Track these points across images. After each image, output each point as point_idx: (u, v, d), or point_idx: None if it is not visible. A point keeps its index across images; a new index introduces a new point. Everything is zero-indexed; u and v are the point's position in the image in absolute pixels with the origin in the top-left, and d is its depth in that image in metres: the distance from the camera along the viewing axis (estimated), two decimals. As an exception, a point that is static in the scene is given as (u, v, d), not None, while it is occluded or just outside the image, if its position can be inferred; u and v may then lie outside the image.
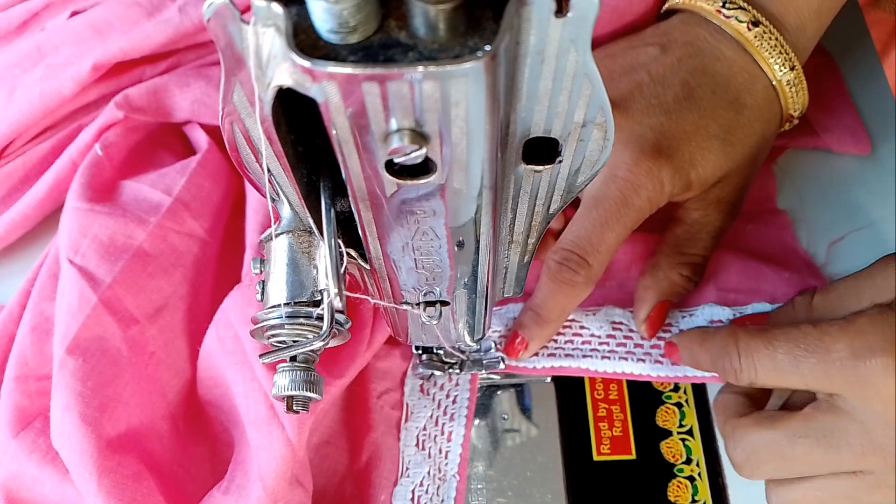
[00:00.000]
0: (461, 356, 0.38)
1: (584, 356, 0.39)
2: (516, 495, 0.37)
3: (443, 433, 0.38)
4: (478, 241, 0.22)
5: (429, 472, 0.37)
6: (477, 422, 0.39)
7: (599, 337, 0.39)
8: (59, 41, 0.45)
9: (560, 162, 0.21)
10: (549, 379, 0.40)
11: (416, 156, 0.16)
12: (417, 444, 0.38)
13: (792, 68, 0.36)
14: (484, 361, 0.39)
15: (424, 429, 0.38)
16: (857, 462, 0.30)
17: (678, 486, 0.37)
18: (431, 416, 0.38)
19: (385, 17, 0.15)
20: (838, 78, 0.46)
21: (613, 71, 0.38)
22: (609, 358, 0.39)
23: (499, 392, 0.40)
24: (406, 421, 0.38)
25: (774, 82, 0.37)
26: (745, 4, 0.36)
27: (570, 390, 0.39)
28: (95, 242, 0.38)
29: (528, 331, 0.37)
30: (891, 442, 0.29)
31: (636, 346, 0.39)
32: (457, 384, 0.39)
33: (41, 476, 0.35)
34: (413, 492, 0.36)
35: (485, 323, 0.30)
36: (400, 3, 0.15)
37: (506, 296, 0.30)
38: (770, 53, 0.36)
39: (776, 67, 0.36)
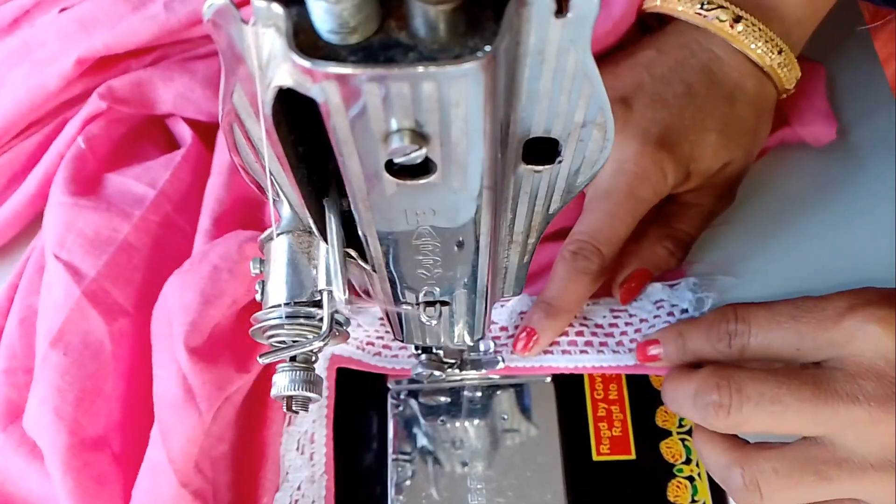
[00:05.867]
0: (460, 356, 0.38)
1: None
2: (516, 495, 0.37)
3: (307, 433, 0.38)
4: (478, 241, 0.22)
5: (307, 477, 0.37)
6: (477, 422, 0.39)
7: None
8: (45, 37, 0.45)
9: (560, 162, 0.21)
10: (549, 379, 0.40)
11: (416, 156, 0.16)
12: (298, 449, 0.38)
13: (780, 52, 0.38)
14: (483, 361, 0.39)
15: (306, 433, 0.38)
16: (840, 411, 0.30)
17: (678, 486, 0.37)
18: (313, 421, 0.38)
19: (385, 17, 0.15)
20: (816, 70, 0.46)
21: (614, 72, 0.39)
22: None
23: (499, 392, 0.40)
24: (289, 425, 0.38)
25: (766, 67, 0.38)
26: (724, 2, 0.37)
27: (570, 390, 0.39)
28: (81, 237, 0.38)
29: (540, 324, 0.37)
30: (877, 392, 0.29)
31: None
32: None
33: (28, 470, 0.35)
34: (291, 496, 0.36)
35: (485, 323, 0.30)
36: (400, 4, 0.15)
37: (506, 296, 0.30)
38: (756, 44, 0.37)
39: (763, 54, 0.37)
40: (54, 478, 0.33)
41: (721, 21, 0.37)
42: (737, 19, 0.37)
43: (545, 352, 0.39)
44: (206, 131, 0.45)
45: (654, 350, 0.37)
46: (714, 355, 0.35)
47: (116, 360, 0.36)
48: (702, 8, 0.37)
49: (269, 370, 0.39)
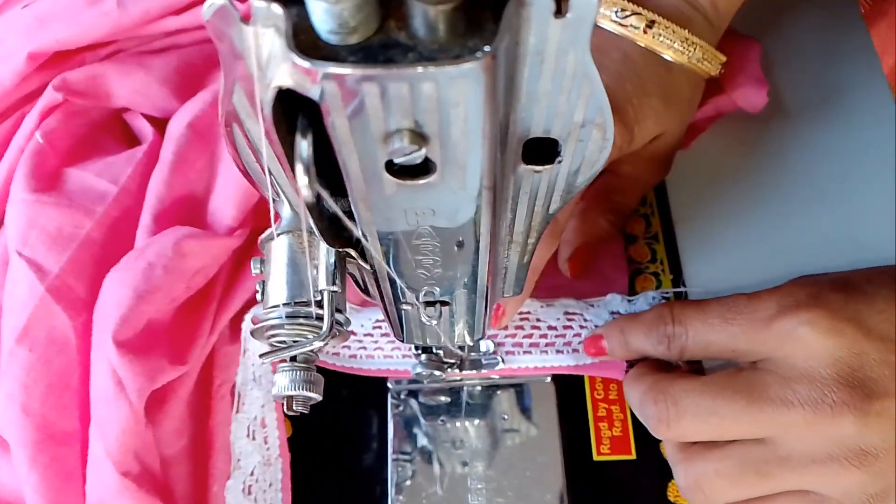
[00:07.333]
0: (460, 356, 0.38)
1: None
2: (516, 495, 0.37)
3: (257, 419, 0.38)
4: (477, 242, 0.22)
5: (260, 461, 0.37)
6: (477, 422, 0.39)
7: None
8: (5, 34, 0.45)
9: (559, 162, 0.21)
10: (549, 379, 0.40)
11: (416, 156, 0.16)
12: (248, 435, 0.38)
13: (697, 48, 0.38)
14: (482, 361, 0.39)
15: (255, 418, 0.38)
16: (776, 417, 0.30)
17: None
18: (262, 406, 0.38)
19: (385, 17, 0.15)
20: (749, 44, 0.46)
21: None
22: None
23: (499, 392, 0.40)
24: (237, 412, 0.38)
25: (686, 64, 0.38)
26: (639, 8, 0.38)
27: (570, 390, 0.39)
28: (43, 234, 0.38)
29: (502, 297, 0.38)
30: (811, 396, 0.30)
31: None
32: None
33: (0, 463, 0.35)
34: (244, 482, 0.37)
35: (484, 323, 0.30)
36: (400, 4, 0.15)
37: (505, 296, 0.30)
38: (671, 45, 0.37)
39: (681, 53, 0.38)
40: (20, 473, 0.33)
41: (635, 28, 0.37)
42: (650, 24, 0.37)
43: (493, 352, 0.39)
44: (162, 127, 0.44)
45: (600, 344, 0.38)
46: (656, 355, 0.36)
47: (82, 355, 0.36)
48: (616, 16, 0.38)
49: (210, 362, 0.39)
